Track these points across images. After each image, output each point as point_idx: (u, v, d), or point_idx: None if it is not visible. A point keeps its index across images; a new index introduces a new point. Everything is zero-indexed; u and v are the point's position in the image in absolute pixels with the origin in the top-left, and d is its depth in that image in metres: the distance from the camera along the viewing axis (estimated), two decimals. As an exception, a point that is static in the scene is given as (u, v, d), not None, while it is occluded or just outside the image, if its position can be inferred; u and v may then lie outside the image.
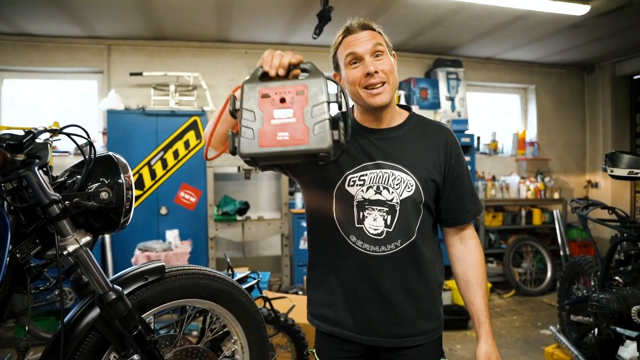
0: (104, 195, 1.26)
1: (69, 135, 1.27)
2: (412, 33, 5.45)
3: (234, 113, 1.23)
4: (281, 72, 1.24)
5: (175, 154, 4.95)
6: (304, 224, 5.24)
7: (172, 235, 4.57)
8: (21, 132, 1.16)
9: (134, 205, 1.36)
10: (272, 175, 5.80)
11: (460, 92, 6.12)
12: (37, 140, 1.17)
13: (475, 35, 5.56)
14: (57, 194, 1.17)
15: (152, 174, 4.89)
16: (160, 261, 1.50)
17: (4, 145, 1.08)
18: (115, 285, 1.31)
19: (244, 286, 2.97)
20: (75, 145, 4.52)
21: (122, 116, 4.85)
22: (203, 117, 4.99)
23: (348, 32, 1.46)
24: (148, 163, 4.85)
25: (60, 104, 5.45)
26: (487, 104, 6.95)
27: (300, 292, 4.73)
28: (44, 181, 1.16)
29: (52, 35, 5.11)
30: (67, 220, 1.21)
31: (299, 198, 5.42)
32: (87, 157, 1.28)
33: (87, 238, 1.24)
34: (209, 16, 4.77)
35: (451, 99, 6.08)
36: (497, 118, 7.06)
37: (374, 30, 1.45)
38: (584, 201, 3.11)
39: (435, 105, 5.96)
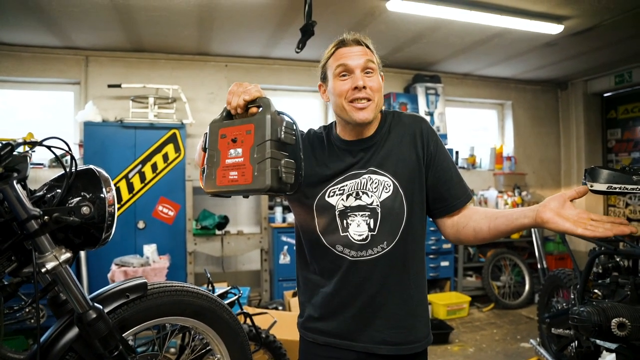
0: (85, 210, 1.22)
1: (49, 147, 1.23)
2: (392, 49, 5.52)
3: (205, 150, 1.32)
4: (239, 111, 1.29)
5: (154, 167, 4.87)
6: (284, 239, 5.25)
7: (149, 249, 4.47)
8: (-1, 144, 1.12)
9: (116, 220, 1.32)
10: (252, 188, 5.73)
11: (439, 107, 6.20)
12: (16, 153, 1.12)
13: (454, 52, 5.66)
14: (37, 209, 1.13)
15: (130, 187, 4.79)
16: (142, 278, 1.45)
17: (-19, 158, 1.04)
18: (95, 304, 1.27)
19: (225, 302, 2.93)
20: (50, 158, 4.37)
21: (100, 128, 4.76)
22: (182, 130, 4.93)
23: (342, 44, 1.46)
24: (126, 176, 4.76)
25: (34, 115, 5.32)
26: (465, 119, 7.06)
27: (280, 308, 4.68)
28: (23, 195, 1.12)
29: (27, 45, 5.00)
30: (45, 236, 1.16)
31: (278, 212, 5.38)
32: (67, 170, 1.23)
33: (67, 255, 1.19)
34: (189, 29, 4.74)
35: (430, 114, 6.16)
36: (475, 133, 7.17)
37: (367, 47, 1.46)
38: (562, 215, 3.15)
39: (415, 120, 6.01)
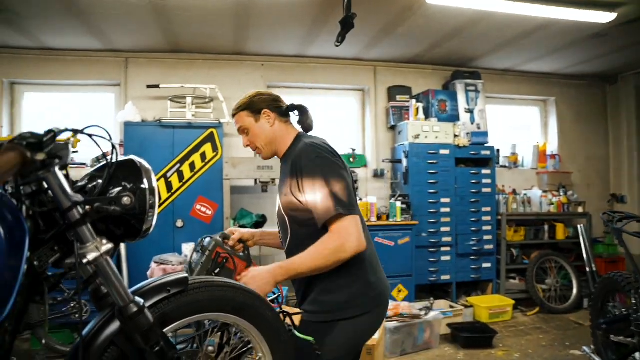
0: (126, 200, 1.19)
1: (90, 136, 1.20)
2: (430, 44, 5.39)
3: None
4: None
5: (192, 166, 4.90)
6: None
7: (188, 248, 4.49)
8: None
9: (157, 212, 1.28)
10: (289, 188, 5.72)
11: (479, 104, 6.02)
12: (58, 140, 1.09)
13: (494, 47, 5.48)
14: (79, 195, 1.10)
15: (169, 186, 4.84)
16: (183, 272, 1.41)
17: (24, 143, 1.01)
18: (136, 298, 1.23)
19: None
20: (92, 157, 4.44)
21: (139, 128, 4.82)
22: (220, 129, 4.94)
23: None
24: (164, 175, 4.80)
25: (78, 117, 5.44)
26: (506, 117, 6.84)
27: (318, 308, 4.61)
28: (65, 183, 1.09)
29: (71, 49, 5.14)
30: (87, 227, 1.13)
31: (316, 211, 5.31)
32: (108, 160, 1.20)
33: (108, 246, 1.16)
34: (225, 28, 4.75)
35: (470, 111, 5.98)
36: (516, 131, 6.93)
37: (236, 115, 1.95)
38: (618, 214, 2.96)
39: (454, 118, 5.85)
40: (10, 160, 0.95)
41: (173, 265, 4.22)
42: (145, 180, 1.25)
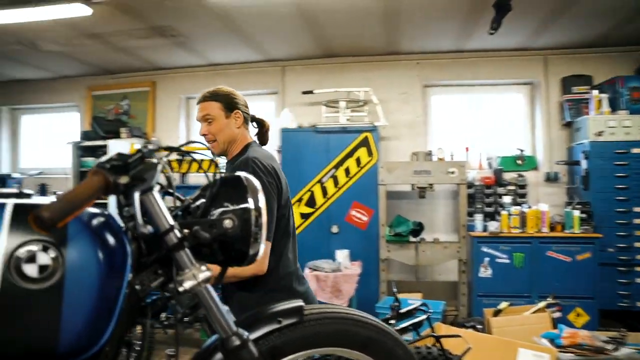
0: (227, 223, 1.07)
1: (188, 153, 1.12)
2: (615, 22, 4.50)
3: None
4: None
5: (347, 171, 4.87)
6: (485, 249, 4.71)
7: (342, 255, 4.45)
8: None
9: (264, 235, 1.15)
10: (449, 194, 5.35)
11: (689, 89, 4.84)
12: (149, 160, 1.02)
13: None
14: (146, 228, 1.02)
15: (324, 191, 4.87)
16: (298, 301, 1.26)
17: (108, 166, 0.95)
18: (240, 329, 1.11)
19: (412, 321, 2.64)
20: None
21: (295, 134, 4.95)
22: (374, 132, 4.82)
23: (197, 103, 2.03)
24: (320, 181, 4.85)
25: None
26: None
27: (479, 326, 4.16)
28: (156, 208, 1.02)
29: (234, 63, 5.58)
30: (185, 252, 1.04)
31: (479, 220, 4.83)
32: (210, 178, 1.11)
33: (207, 273, 1.05)
34: (376, 28, 4.63)
35: (676, 99, 4.85)
36: None
37: (207, 101, 1.96)
38: None
39: (652, 109, 4.81)
40: (93, 186, 0.91)
41: (325, 272, 4.20)
42: (250, 200, 1.13)
